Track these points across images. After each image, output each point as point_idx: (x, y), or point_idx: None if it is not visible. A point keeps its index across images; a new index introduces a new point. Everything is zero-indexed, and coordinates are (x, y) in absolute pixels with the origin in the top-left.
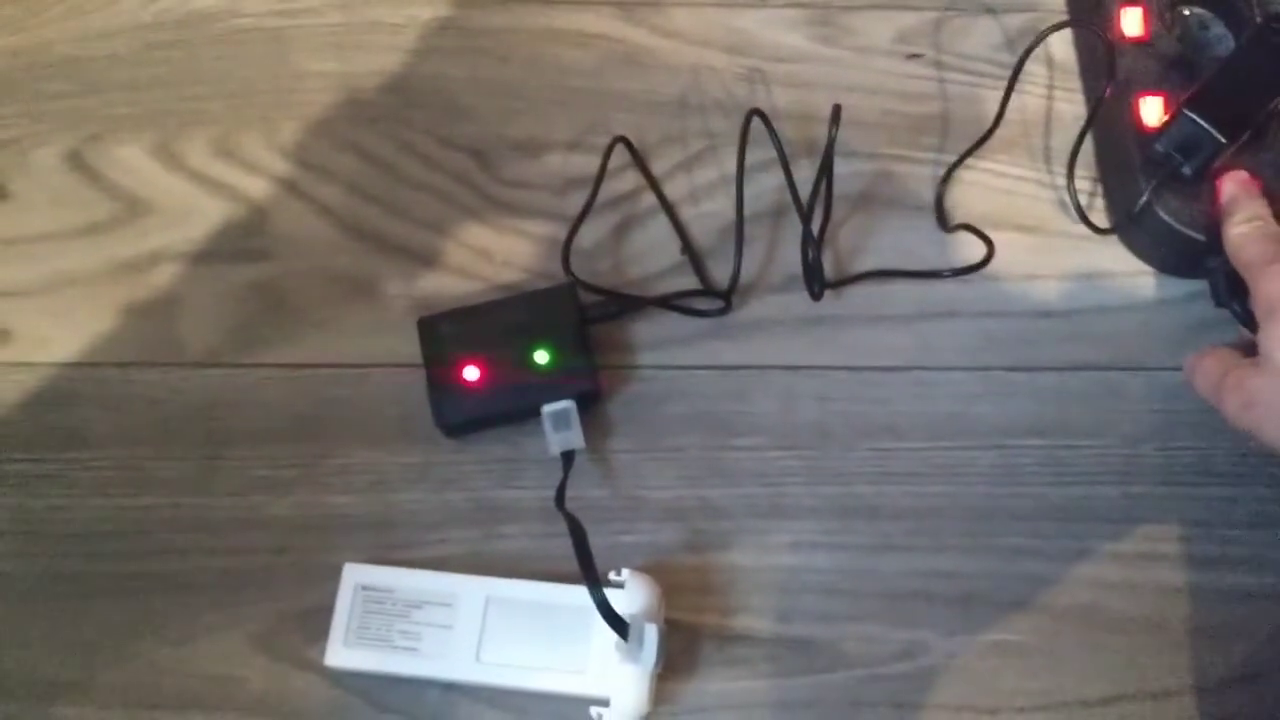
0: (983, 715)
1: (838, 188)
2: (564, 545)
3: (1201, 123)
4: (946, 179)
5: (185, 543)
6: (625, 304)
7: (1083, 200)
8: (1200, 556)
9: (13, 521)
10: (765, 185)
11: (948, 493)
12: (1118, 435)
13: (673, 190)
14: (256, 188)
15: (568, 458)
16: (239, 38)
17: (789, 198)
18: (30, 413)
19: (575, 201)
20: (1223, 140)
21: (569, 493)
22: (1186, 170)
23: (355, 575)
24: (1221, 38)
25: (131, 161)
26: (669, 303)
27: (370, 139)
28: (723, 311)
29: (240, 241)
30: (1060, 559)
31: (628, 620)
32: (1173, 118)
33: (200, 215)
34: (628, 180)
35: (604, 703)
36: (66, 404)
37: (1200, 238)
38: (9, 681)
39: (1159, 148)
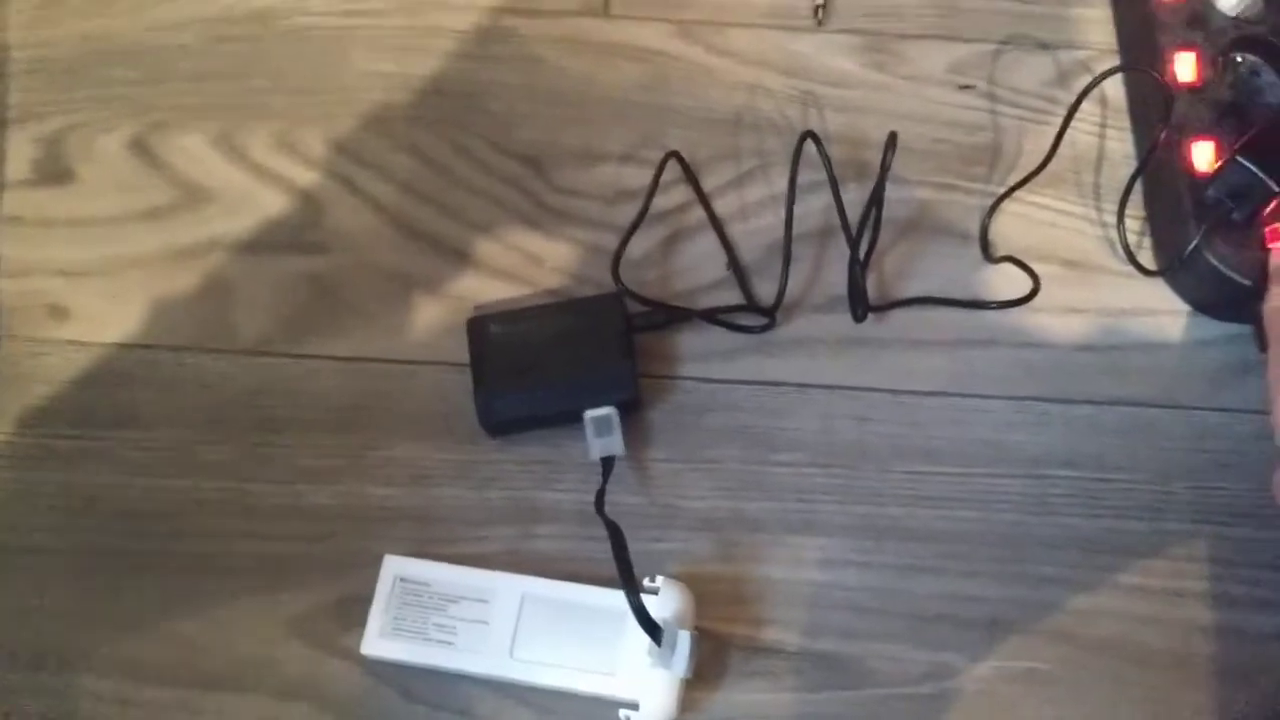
0: None
1: (885, 213)
2: (599, 548)
3: (1254, 169)
4: (993, 210)
5: (228, 526)
6: (671, 315)
7: (1130, 240)
8: (1227, 596)
9: (60, 496)
10: (813, 206)
11: (979, 518)
12: (1150, 471)
13: (722, 206)
14: (314, 182)
15: (607, 463)
16: (304, 35)
17: (835, 219)
18: (83, 390)
19: (626, 212)
20: (1275, 188)
21: (607, 498)
22: (1237, 216)
23: (394, 567)
24: (1274, 85)
25: (194, 150)
26: (714, 316)
27: (427, 140)
28: (766, 328)
29: (296, 234)
30: (1088, 590)
31: (661, 626)
32: (1225, 164)
33: (258, 206)
34: (678, 194)
35: (633, 706)
36: (119, 384)
37: (1248, 283)
38: (48, 653)
39: (1210, 193)
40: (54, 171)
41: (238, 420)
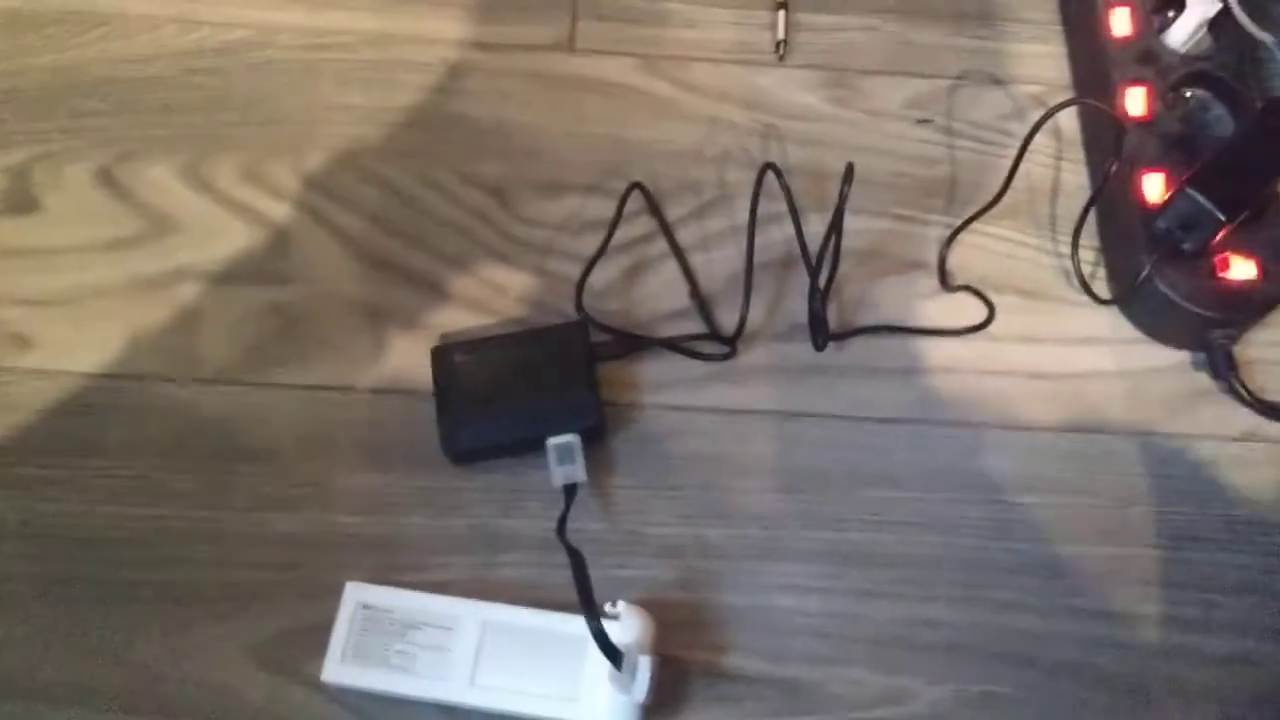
0: None
1: (845, 243)
2: (561, 575)
3: (1203, 201)
4: (951, 241)
5: (192, 554)
6: (633, 344)
7: (1085, 270)
8: (1184, 619)
9: (24, 525)
10: (774, 237)
11: (939, 543)
12: (1108, 497)
13: (685, 237)
14: (281, 213)
15: (570, 490)
16: (273, 68)
17: (796, 250)
18: (47, 419)
19: (590, 242)
20: (1223, 218)
21: (570, 525)
22: (1187, 246)
23: (356, 594)
24: (1221, 119)
25: (161, 181)
26: (676, 345)
27: (394, 172)
28: (728, 356)
29: (262, 264)
30: (1046, 614)
31: (622, 651)
32: (1175, 195)
33: (224, 237)
34: (641, 225)
35: None
36: (83, 413)
37: (1199, 311)
38: (10, 682)
39: (1161, 224)
40: (20, 201)
41: (203, 449)
